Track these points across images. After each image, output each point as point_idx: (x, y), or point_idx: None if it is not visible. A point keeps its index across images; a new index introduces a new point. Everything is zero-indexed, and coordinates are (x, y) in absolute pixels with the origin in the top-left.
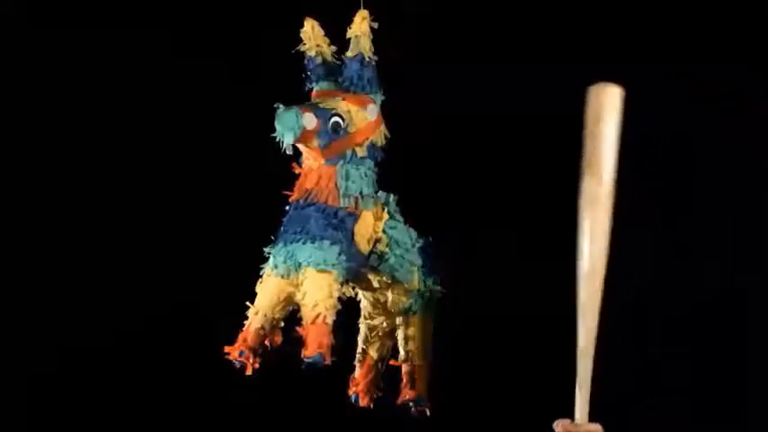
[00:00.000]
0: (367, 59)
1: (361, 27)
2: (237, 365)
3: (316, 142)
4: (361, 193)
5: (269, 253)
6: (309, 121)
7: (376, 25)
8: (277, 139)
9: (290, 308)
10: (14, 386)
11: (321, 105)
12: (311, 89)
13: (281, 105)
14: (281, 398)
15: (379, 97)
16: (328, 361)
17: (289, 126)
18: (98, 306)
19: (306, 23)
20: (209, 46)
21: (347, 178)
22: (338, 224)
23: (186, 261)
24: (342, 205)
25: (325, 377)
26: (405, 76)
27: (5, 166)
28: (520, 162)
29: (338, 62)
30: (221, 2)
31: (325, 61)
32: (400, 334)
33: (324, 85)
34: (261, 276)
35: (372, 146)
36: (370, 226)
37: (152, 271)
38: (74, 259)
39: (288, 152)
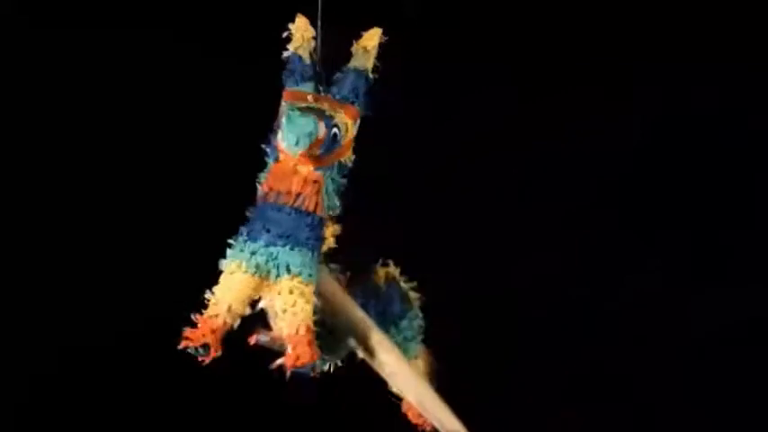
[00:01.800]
0: (368, 75)
1: (371, 42)
2: (197, 356)
3: (319, 150)
4: (336, 204)
5: (242, 249)
6: (322, 129)
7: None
8: (286, 143)
9: (255, 307)
10: (14, 386)
11: (327, 114)
12: (284, 87)
13: (295, 109)
14: (280, 398)
15: (362, 113)
16: (316, 373)
17: (306, 132)
18: (98, 306)
19: (298, 20)
20: (202, 47)
21: (330, 189)
22: (319, 235)
23: (186, 262)
24: (323, 215)
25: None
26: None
27: (6, 166)
28: None
29: (315, 63)
30: (212, 3)
31: (311, 61)
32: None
33: (306, 86)
34: (221, 269)
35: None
36: (328, 239)
37: (152, 271)
38: (74, 260)
39: (293, 156)
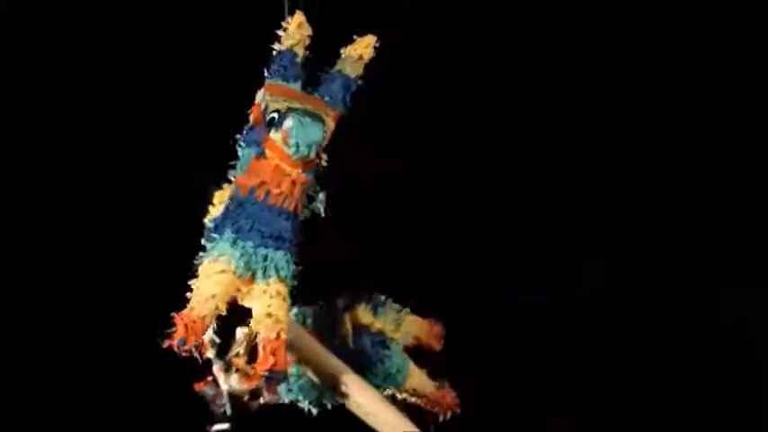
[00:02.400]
0: (358, 82)
1: (366, 49)
2: (183, 353)
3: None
4: (312, 205)
5: (230, 247)
6: (324, 135)
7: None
8: (294, 148)
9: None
10: (14, 386)
11: (323, 118)
12: (267, 80)
13: (303, 113)
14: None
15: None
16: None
17: (317, 140)
18: (98, 306)
19: (296, 16)
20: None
21: (310, 191)
22: (297, 237)
23: (184, 262)
24: (302, 217)
25: None
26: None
27: (6, 166)
28: None
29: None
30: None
31: (302, 60)
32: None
33: (296, 85)
34: (201, 264)
35: None
36: None
37: (151, 272)
38: (74, 260)
39: (296, 160)
